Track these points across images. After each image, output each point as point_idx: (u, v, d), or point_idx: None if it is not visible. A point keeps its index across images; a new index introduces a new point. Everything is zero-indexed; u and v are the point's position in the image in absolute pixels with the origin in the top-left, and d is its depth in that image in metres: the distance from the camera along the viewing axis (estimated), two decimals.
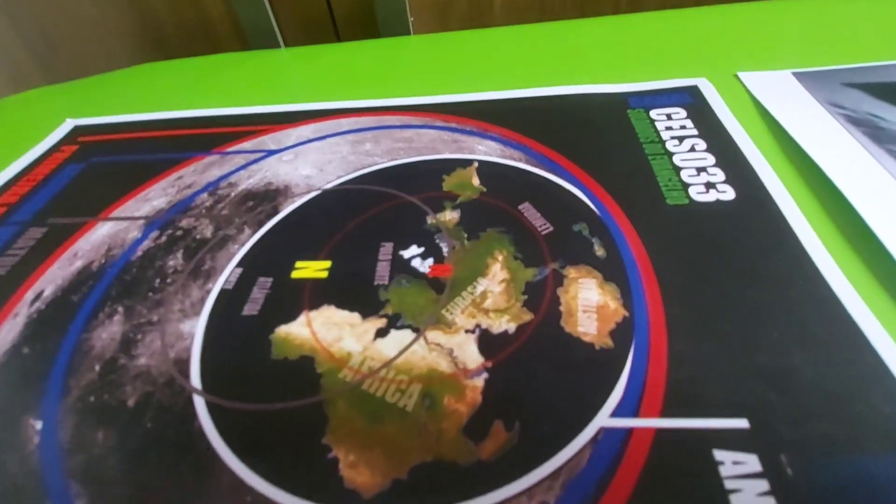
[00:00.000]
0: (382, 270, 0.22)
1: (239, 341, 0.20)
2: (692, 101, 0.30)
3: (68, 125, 0.36)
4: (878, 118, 0.27)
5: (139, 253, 0.24)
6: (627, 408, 0.16)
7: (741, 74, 0.32)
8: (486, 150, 0.28)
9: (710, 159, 0.25)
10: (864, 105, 0.28)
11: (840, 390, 0.16)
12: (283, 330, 0.20)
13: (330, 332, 0.20)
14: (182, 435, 0.17)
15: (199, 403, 0.18)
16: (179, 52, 0.46)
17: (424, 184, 0.26)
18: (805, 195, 0.23)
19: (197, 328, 0.20)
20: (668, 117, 0.29)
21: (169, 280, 0.23)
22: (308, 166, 0.29)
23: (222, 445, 0.16)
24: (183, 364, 0.19)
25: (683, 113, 0.29)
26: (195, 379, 0.19)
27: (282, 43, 0.50)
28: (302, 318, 0.20)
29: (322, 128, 0.32)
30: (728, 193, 0.23)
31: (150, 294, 0.22)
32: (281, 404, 0.17)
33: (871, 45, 0.33)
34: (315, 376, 0.18)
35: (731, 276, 0.20)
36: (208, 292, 0.22)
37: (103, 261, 0.24)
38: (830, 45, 0.34)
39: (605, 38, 0.39)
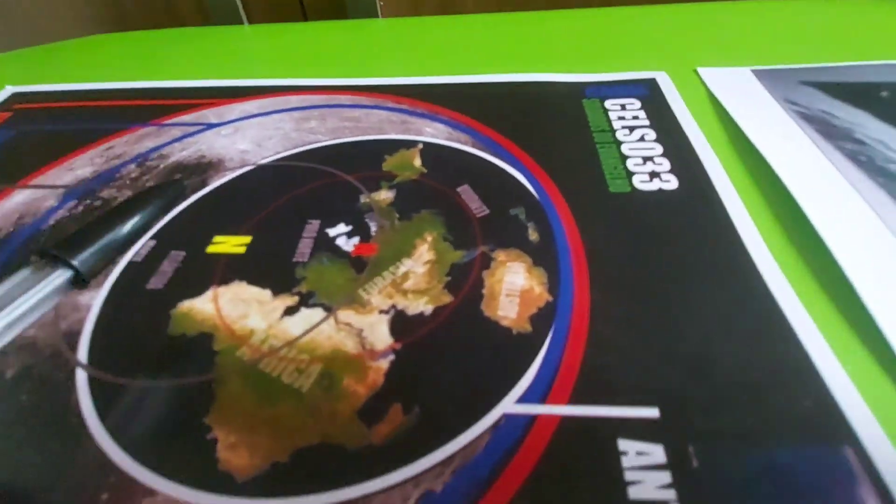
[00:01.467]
0: (304, 248, 0.21)
1: (138, 315, 0.18)
2: (648, 93, 0.29)
3: (7, 91, 0.35)
4: (831, 116, 0.26)
5: (51, 222, 0.23)
6: (535, 394, 0.15)
7: (700, 69, 0.31)
8: (434, 133, 0.27)
9: (658, 149, 0.25)
10: (818, 103, 0.27)
11: (760, 382, 0.15)
12: (185, 305, 0.18)
13: (236, 308, 0.18)
14: (55, 410, 0.15)
15: (81, 378, 0.16)
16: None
17: (364, 163, 0.25)
18: (750, 188, 0.22)
19: (95, 300, 0.19)
20: (623, 107, 0.28)
21: None
22: (246, 141, 0.27)
23: (96, 422, 0.15)
24: (73, 337, 0.18)
25: (638, 104, 0.28)
26: (82, 353, 0.17)
27: (246, 23, 0.49)
28: (209, 294, 0.19)
29: (268, 104, 0.30)
30: (671, 183, 0.23)
31: None
32: (168, 381, 0.16)
33: (832, 45, 0.33)
34: (211, 353, 0.17)
35: (665, 264, 0.19)
36: (115, 264, 0.20)
37: (12, 229, 0.23)
38: (792, 43, 0.34)
39: (571, 29, 0.38)
